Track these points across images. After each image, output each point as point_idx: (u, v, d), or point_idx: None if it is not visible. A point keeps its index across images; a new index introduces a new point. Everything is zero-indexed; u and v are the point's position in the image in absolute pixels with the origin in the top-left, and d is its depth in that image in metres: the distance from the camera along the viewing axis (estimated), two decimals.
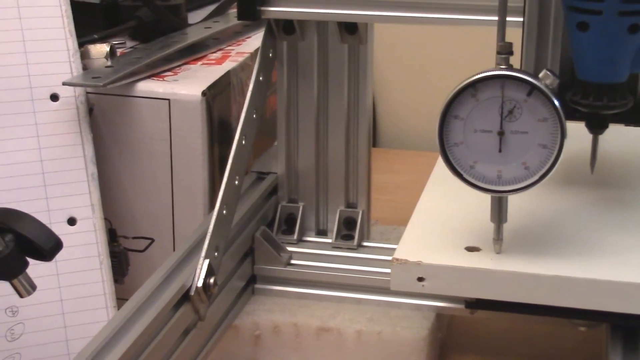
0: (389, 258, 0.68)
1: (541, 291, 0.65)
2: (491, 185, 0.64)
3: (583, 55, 0.64)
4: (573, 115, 0.66)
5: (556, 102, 0.62)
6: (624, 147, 0.85)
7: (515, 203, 0.68)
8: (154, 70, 0.89)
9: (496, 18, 0.65)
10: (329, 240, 0.86)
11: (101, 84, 0.82)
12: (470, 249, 0.68)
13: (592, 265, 0.66)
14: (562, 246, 0.68)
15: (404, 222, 0.74)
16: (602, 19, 0.62)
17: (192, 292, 0.69)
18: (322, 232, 0.88)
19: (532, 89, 0.62)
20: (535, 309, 0.67)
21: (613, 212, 0.73)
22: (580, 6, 0.63)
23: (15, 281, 0.61)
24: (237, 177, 0.77)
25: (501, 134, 0.63)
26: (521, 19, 0.69)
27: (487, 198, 0.66)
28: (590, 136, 0.69)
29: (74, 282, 0.80)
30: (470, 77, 0.63)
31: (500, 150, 0.64)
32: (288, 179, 0.87)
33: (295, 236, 0.86)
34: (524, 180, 0.64)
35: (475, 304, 0.71)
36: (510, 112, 0.63)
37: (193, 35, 0.99)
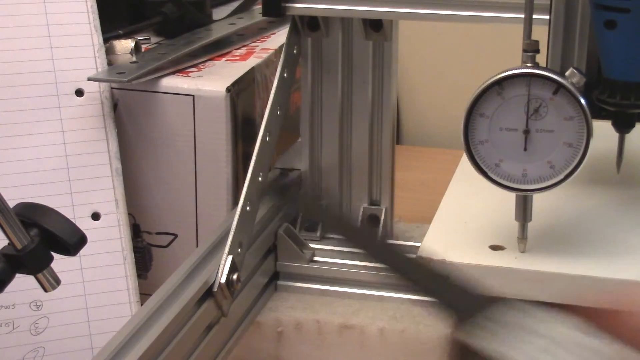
0: (413, 256, 0.68)
1: (565, 290, 0.65)
2: (516, 183, 0.64)
3: (610, 54, 0.64)
4: (600, 114, 0.66)
5: (582, 101, 0.62)
6: None
7: (540, 202, 0.67)
8: (179, 66, 0.89)
9: (522, 15, 0.65)
10: None
11: (126, 79, 0.83)
12: (494, 247, 0.68)
13: (617, 265, 0.65)
14: (587, 245, 0.68)
15: (427, 219, 0.73)
16: (629, 17, 0.62)
17: (215, 288, 0.69)
18: None
19: (558, 87, 0.62)
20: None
21: (639, 211, 0.73)
22: (607, 4, 0.62)
23: (40, 275, 0.62)
24: (260, 174, 0.77)
25: (527, 132, 0.63)
26: (547, 17, 0.69)
27: (511, 196, 0.66)
28: (616, 135, 0.69)
29: (98, 277, 0.80)
30: (496, 75, 0.63)
31: (525, 149, 0.63)
32: (311, 176, 0.87)
33: (318, 233, 0.86)
34: (549, 179, 0.64)
35: None
36: (536, 110, 0.63)
37: (218, 31, 0.99)
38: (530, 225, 0.67)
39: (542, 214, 0.70)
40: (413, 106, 1.38)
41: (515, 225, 0.67)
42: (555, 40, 0.69)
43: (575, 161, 0.63)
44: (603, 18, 0.63)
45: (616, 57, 0.64)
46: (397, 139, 1.14)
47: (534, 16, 0.65)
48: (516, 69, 0.63)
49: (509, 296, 0.66)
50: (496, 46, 1.19)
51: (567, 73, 0.63)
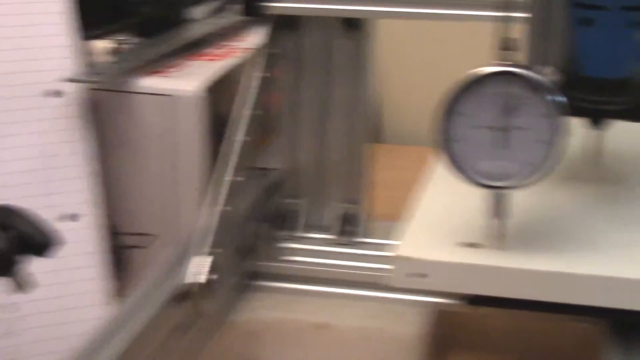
0: (391, 254, 0.68)
1: (543, 287, 0.65)
2: (493, 181, 0.64)
3: (586, 51, 0.64)
4: (577, 112, 0.66)
5: (558, 99, 0.62)
6: (629, 143, 0.84)
7: (518, 199, 0.67)
8: (157, 66, 0.89)
9: (501, 14, 0.64)
10: (330, 237, 0.86)
11: (104, 80, 0.82)
12: (472, 245, 0.68)
13: (595, 262, 0.65)
14: (564, 242, 0.68)
15: (407, 218, 0.73)
16: (606, 15, 0.62)
17: (192, 289, 0.69)
18: (323, 229, 0.88)
19: (535, 85, 0.62)
20: (536, 305, 0.67)
21: (616, 208, 0.73)
22: (584, 2, 0.62)
23: (16, 277, 0.61)
24: (239, 174, 0.77)
25: (503, 130, 0.63)
26: (526, 15, 0.68)
27: (489, 194, 0.65)
28: (594, 132, 0.69)
29: (74, 279, 0.80)
30: (473, 73, 0.63)
31: (502, 147, 0.63)
32: (290, 176, 0.87)
33: (296, 233, 0.86)
34: (526, 176, 0.63)
35: (476, 300, 0.70)
36: (513, 108, 0.63)
37: (196, 31, 0.99)
38: (508, 222, 0.66)
39: (520, 211, 0.70)
40: (396, 105, 1.37)
41: (492, 223, 0.66)
42: (533, 39, 0.69)
43: (552, 159, 0.63)
44: (579, 15, 0.63)
45: (592, 54, 0.64)
46: (380, 137, 1.14)
47: (513, 14, 0.64)
48: (493, 67, 0.62)
49: (488, 294, 0.67)
50: (477, 44, 1.19)
51: (543, 71, 0.63)
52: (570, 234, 0.69)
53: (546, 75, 0.63)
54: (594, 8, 0.62)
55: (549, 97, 0.62)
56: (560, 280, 0.64)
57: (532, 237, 0.69)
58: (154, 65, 0.88)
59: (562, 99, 0.62)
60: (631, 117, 0.68)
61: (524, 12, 0.68)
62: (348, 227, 0.86)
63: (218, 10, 1.08)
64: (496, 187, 0.64)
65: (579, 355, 0.80)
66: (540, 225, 0.70)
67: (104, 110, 0.86)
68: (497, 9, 0.67)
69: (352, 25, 0.81)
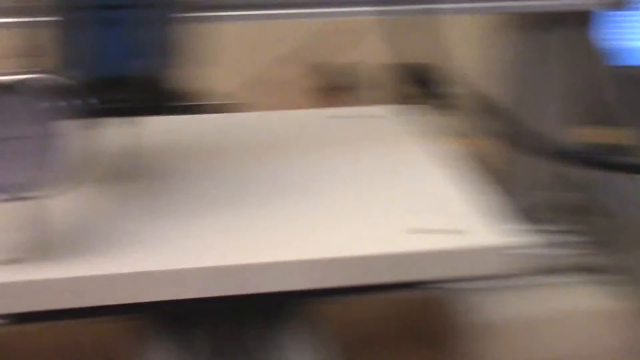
0: None
1: (90, 293, 0.63)
2: (10, 193, 0.61)
3: (97, 51, 0.64)
4: (106, 112, 0.66)
5: (66, 103, 0.61)
6: (167, 138, 0.85)
7: (58, 206, 0.65)
8: None
9: (25, 19, 0.63)
10: None
11: None
12: (12, 261, 0.65)
13: (139, 258, 0.65)
14: (109, 243, 0.67)
15: None
16: (132, 13, 0.63)
17: None
18: None
19: (55, 90, 0.60)
20: (94, 311, 0.65)
21: (156, 202, 0.74)
22: (112, 3, 0.63)
23: None
24: None
25: (13, 139, 0.60)
26: (46, 19, 0.67)
27: (21, 206, 0.63)
28: (129, 130, 0.69)
29: None
30: None
31: (11, 157, 0.61)
32: None
33: None
34: (43, 183, 0.61)
35: (24, 317, 0.67)
36: (25, 116, 0.60)
37: None
38: (47, 232, 0.65)
39: (62, 218, 0.69)
40: None
41: (30, 235, 0.64)
42: (60, 43, 0.67)
43: (78, 162, 0.61)
44: (105, 16, 0.63)
45: (116, 53, 0.64)
46: None
47: (31, 19, 0.63)
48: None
49: (37, 309, 0.64)
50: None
51: (69, 75, 0.61)
52: (114, 234, 0.68)
53: (73, 79, 0.61)
54: (120, 8, 0.63)
55: (66, 102, 0.60)
56: (105, 282, 0.63)
57: (76, 243, 0.67)
58: None
59: (85, 102, 0.61)
60: (150, 111, 0.69)
61: (51, 16, 0.67)
62: None
63: None
64: (23, 198, 0.62)
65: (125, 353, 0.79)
66: (84, 230, 0.69)
67: None
68: (21, 14, 0.65)
69: None
